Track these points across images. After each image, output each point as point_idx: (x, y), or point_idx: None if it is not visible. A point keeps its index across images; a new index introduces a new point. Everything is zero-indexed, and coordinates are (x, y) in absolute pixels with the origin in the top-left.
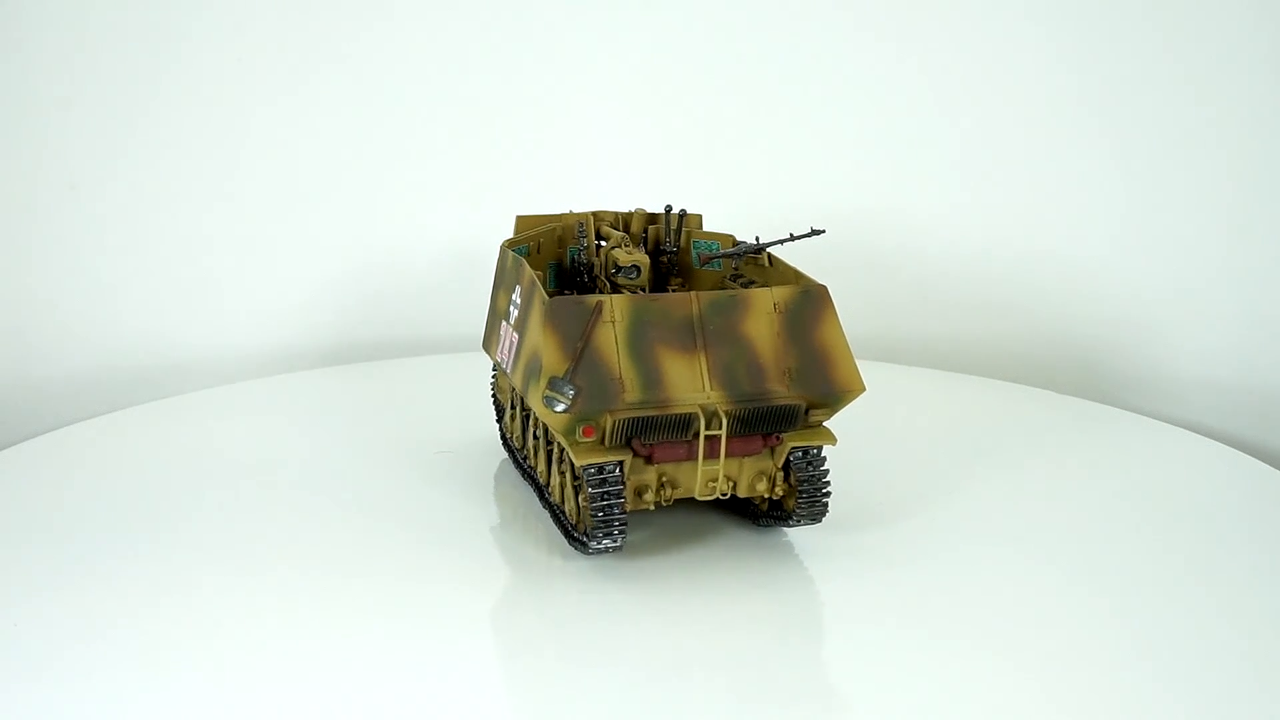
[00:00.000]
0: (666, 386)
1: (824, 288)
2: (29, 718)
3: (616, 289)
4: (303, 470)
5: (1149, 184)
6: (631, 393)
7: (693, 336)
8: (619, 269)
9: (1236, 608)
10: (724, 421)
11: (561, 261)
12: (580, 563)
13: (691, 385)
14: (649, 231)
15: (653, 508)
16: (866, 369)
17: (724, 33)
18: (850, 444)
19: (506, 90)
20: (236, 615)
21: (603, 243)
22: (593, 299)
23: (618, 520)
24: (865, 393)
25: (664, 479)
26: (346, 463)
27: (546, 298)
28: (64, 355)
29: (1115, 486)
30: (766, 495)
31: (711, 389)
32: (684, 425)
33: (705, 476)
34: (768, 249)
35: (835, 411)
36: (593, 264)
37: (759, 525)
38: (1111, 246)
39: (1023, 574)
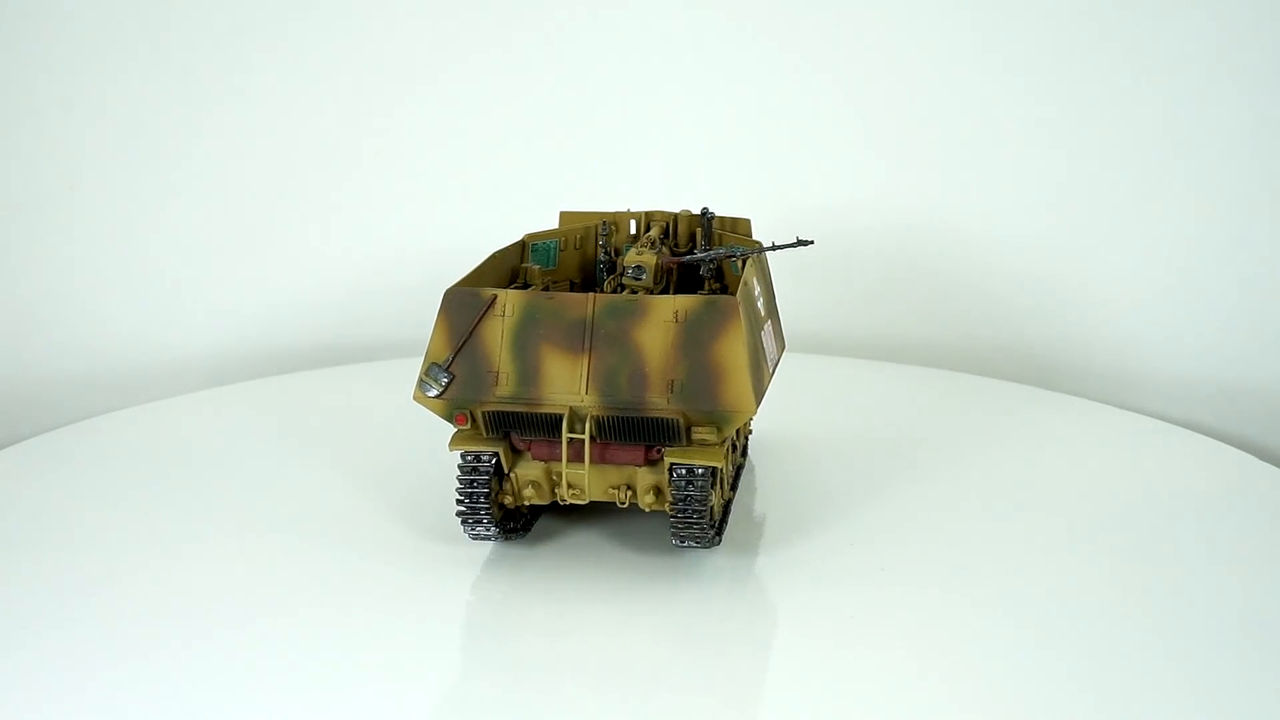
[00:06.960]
0: (541, 384)
1: (734, 301)
2: (18, 713)
3: (620, 288)
4: (301, 470)
5: (1145, 181)
6: (504, 386)
7: (581, 338)
8: (625, 269)
9: (1235, 608)
10: (587, 426)
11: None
12: (478, 557)
13: (568, 386)
14: (695, 233)
15: (526, 505)
16: (864, 367)
17: (777, 34)
18: (831, 443)
19: (516, 87)
20: (231, 616)
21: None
22: (489, 291)
23: (484, 509)
24: (754, 415)
25: (555, 477)
26: (346, 462)
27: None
28: (61, 356)
29: (1111, 484)
30: (651, 509)
31: (587, 392)
32: (553, 424)
33: (571, 479)
34: (745, 256)
35: (725, 432)
36: (614, 263)
37: None
38: (1109, 244)
39: (1012, 576)
